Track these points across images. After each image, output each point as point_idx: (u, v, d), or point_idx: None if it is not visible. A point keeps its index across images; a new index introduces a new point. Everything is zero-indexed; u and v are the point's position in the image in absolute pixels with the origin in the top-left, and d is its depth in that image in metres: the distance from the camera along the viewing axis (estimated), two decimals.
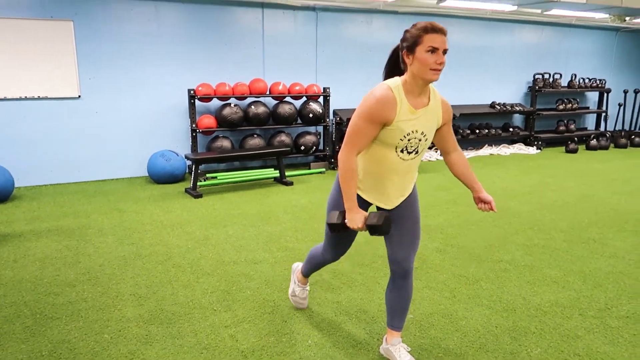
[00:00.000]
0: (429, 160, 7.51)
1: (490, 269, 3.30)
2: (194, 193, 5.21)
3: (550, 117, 9.22)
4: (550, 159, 7.72)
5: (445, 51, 1.84)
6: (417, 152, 2.01)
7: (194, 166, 5.31)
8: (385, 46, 7.43)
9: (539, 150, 8.48)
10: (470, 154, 8.00)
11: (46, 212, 4.61)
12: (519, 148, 8.50)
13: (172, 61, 6.13)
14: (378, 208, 2.12)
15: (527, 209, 4.74)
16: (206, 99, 6.10)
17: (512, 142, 8.90)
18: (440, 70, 1.84)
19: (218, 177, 5.81)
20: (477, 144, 8.62)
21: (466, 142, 8.45)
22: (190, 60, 6.23)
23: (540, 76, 8.82)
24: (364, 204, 2.10)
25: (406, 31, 1.87)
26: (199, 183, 5.53)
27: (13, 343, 2.38)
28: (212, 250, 3.62)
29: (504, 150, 8.32)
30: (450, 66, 8.08)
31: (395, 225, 2.10)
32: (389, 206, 2.08)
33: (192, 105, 6.04)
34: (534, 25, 8.70)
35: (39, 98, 5.57)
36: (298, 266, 2.68)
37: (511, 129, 8.49)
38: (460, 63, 8.16)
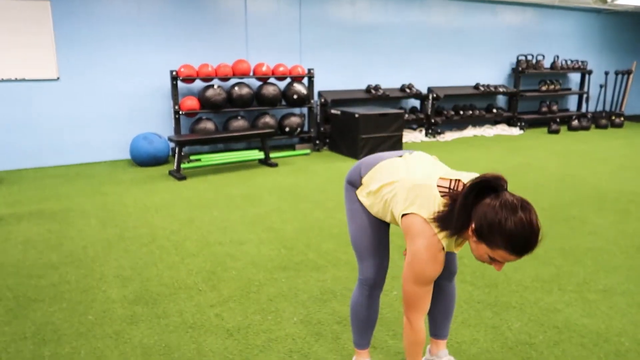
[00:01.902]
0: (414, 142, 7.54)
1: None
2: (178, 175, 5.17)
3: (533, 99, 9.30)
4: (533, 139, 7.80)
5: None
6: None
7: (177, 148, 5.26)
8: (369, 27, 7.39)
9: (522, 131, 8.57)
10: (454, 135, 8.04)
11: (27, 196, 4.54)
12: (502, 129, 8.58)
13: (153, 42, 6.02)
14: None
15: (509, 189, 4.79)
16: (189, 80, 6.02)
17: (495, 123, 8.97)
18: None
19: (202, 160, 5.77)
20: (461, 125, 8.67)
21: (450, 123, 8.49)
22: (172, 41, 6.13)
23: (523, 57, 8.86)
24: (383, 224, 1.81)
25: (492, 214, 1.38)
26: (182, 165, 5.48)
27: None
28: (197, 232, 3.61)
29: (488, 131, 8.39)
30: (434, 48, 8.07)
31: None
32: None
33: (174, 86, 5.96)
34: (516, 7, 8.71)
35: (16, 80, 5.44)
36: None
37: (495, 110, 8.55)
38: (444, 44, 8.16)
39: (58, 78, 5.63)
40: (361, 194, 1.79)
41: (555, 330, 2.33)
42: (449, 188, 1.54)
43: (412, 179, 1.60)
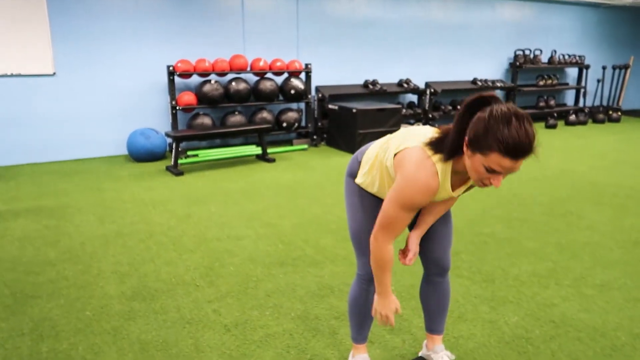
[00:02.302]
0: None
1: (470, 242, 3.35)
2: (175, 171, 5.17)
3: (531, 93, 9.30)
4: None
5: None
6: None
7: (174, 144, 5.24)
8: (367, 22, 7.37)
9: None
10: None
11: (25, 192, 4.53)
12: None
13: (150, 37, 5.99)
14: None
15: (506, 184, 4.81)
16: (186, 75, 6.00)
17: None
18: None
19: (199, 155, 5.76)
20: None
21: (448, 118, 8.48)
22: (169, 36, 6.10)
23: (521, 52, 8.86)
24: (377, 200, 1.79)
25: (484, 120, 1.34)
26: (180, 161, 5.47)
27: None
28: (195, 228, 3.61)
29: None
30: (432, 42, 8.05)
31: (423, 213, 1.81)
32: None
33: (171, 81, 5.93)
34: (514, 1, 8.70)
35: (12, 75, 5.41)
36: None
37: None
38: (442, 39, 8.14)
39: (54, 73, 5.60)
40: (360, 177, 1.77)
41: (551, 324, 2.34)
42: (443, 130, 1.53)
43: (404, 130, 1.65)
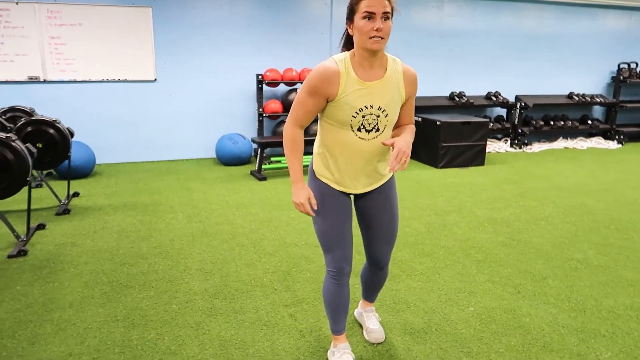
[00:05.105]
0: (497, 152, 7.24)
1: (559, 266, 3.15)
2: (259, 176, 5.35)
3: (636, 110, 8.58)
4: (633, 154, 7.20)
5: (386, 14, 1.64)
6: (377, 130, 1.81)
7: (259, 149, 5.44)
8: (455, 32, 7.20)
9: (620, 145, 7.93)
10: (543, 146, 7.62)
11: (123, 188, 4.92)
12: (598, 142, 7.99)
13: (241, 46, 6.28)
14: (344, 194, 1.95)
15: (602, 207, 4.46)
16: (273, 84, 6.21)
17: (590, 135, 8.39)
18: (381, 38, 1.65)
19: (282, 161, 5.92)
20: (550, 136, 8.20)
21: (539, 134, 8.05)
22: (259, 46, 6.35)
23: (625, 65, 8.21)
24: (333, 192, 1.92)
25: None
26: (263, 166, 5.66)
27: (92, 307, 2.58)
28: (275, 232, 3.71)
29: (581, 143, 7.86)
30: (524, 54, 7.70)
31: (370, 219, 2.00)
32: (356, 191, 1.93)
33: (259, 90, 6.17)
34: (620, 10, 8.09)
35: (119, 81, 5.91)
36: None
37: (590, 122, 7.99)
38: (535, 51, 7.76)
39: (155, 80, 6.04)
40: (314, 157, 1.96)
41: None
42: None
43: None
